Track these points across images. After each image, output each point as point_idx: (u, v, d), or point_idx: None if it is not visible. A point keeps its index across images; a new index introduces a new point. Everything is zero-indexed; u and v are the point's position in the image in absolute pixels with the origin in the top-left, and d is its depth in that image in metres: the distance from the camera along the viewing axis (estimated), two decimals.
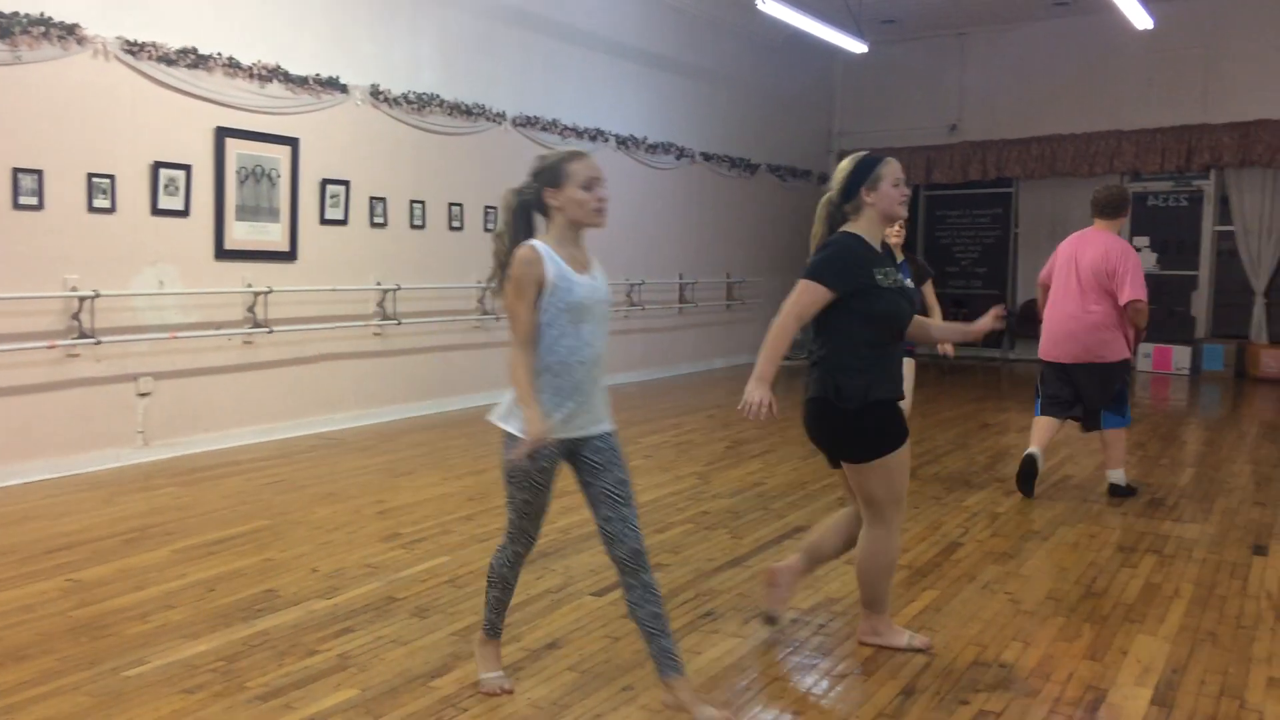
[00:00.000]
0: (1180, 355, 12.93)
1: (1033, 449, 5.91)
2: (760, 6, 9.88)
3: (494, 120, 9.45)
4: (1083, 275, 5.79)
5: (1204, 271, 13.27)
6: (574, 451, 3.03)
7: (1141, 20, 10.68)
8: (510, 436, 2.96)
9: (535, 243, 2.93)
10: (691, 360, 12.66)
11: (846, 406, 3.39)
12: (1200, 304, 13.27)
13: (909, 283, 5.67)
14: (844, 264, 3.40)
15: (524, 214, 3.02)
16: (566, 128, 10.27)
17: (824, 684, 3.36)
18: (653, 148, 11.60)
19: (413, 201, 8.75)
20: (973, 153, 14.28)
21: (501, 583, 3.25)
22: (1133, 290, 5.63)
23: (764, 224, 14.01)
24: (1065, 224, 12.89)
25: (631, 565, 3.05)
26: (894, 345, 3.51)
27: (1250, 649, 3.63)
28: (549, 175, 2.95)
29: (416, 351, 8.87)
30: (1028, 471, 5.88)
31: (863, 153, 3.59)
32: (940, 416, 9.20)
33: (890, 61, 14.56)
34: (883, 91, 15.01)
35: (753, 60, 13.45)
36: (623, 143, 11.13)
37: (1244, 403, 10.41)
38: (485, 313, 9.44)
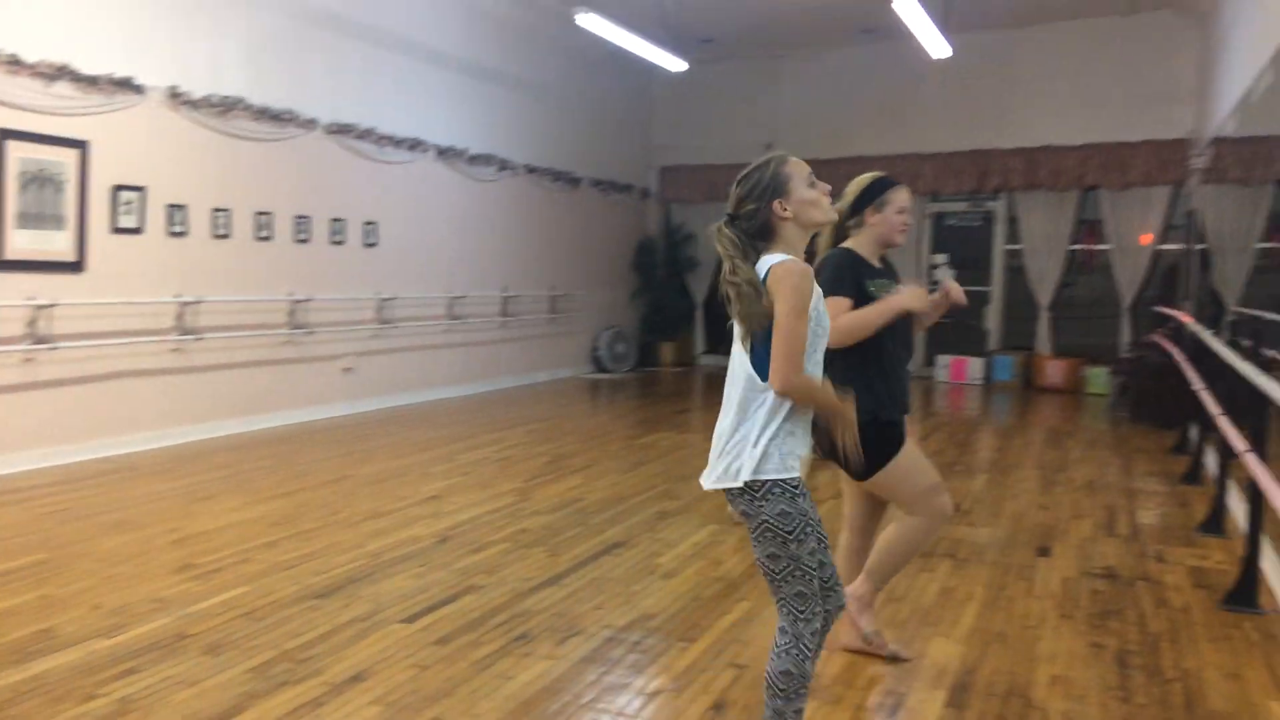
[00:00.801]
0: (974, 366, 13.72)
1: None
2: (578, 20, 9.92)
3: (305, 126, 9.11)
4: None
5: (996, 287, 14.12)
6: None
7: (940, 49, 11.28)
8: (763, 487, 2.52)
9: (785, 255, 2.56)
10: (514, 374, 12.55)
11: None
12: (992, 318, 14.11)
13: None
14: (832, 275, 3.41)
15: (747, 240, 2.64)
16: (384, 136, 10.02)
17: (637, 703, 3.35)
18: (474, 159, 11.46)
19: (216, 210, 8.32)
20: None
21: (804, 684, 2.60)
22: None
23: (587, 238, 14.06)
24: None
25: (832, 620, 2.78)
26: (898, 359, 3.50)
27: (1035, 648, 3.84)
28: (772, 186, 2.60)
29: (220, 368, 8.44)
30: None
31: (877, 173, 3.62)
32: None
33: (709, 80, 14.90)
34: (702, 109, 15.33)
35: (575, 74, 13.49)
36: (443, 153, 10.95)
37: (1030, 411, 11.12)
38: (296, 326, 9.08)
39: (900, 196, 3.53)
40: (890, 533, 3.62)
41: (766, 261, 2.55)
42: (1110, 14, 12.65)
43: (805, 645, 2.56)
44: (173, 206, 7.93)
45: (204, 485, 6.50)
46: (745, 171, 2.66)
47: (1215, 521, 5.53)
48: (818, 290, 2.55)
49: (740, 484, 2.53)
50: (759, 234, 2.61)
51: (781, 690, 2.58)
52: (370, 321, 10.07)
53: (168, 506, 5.92)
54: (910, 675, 3.57)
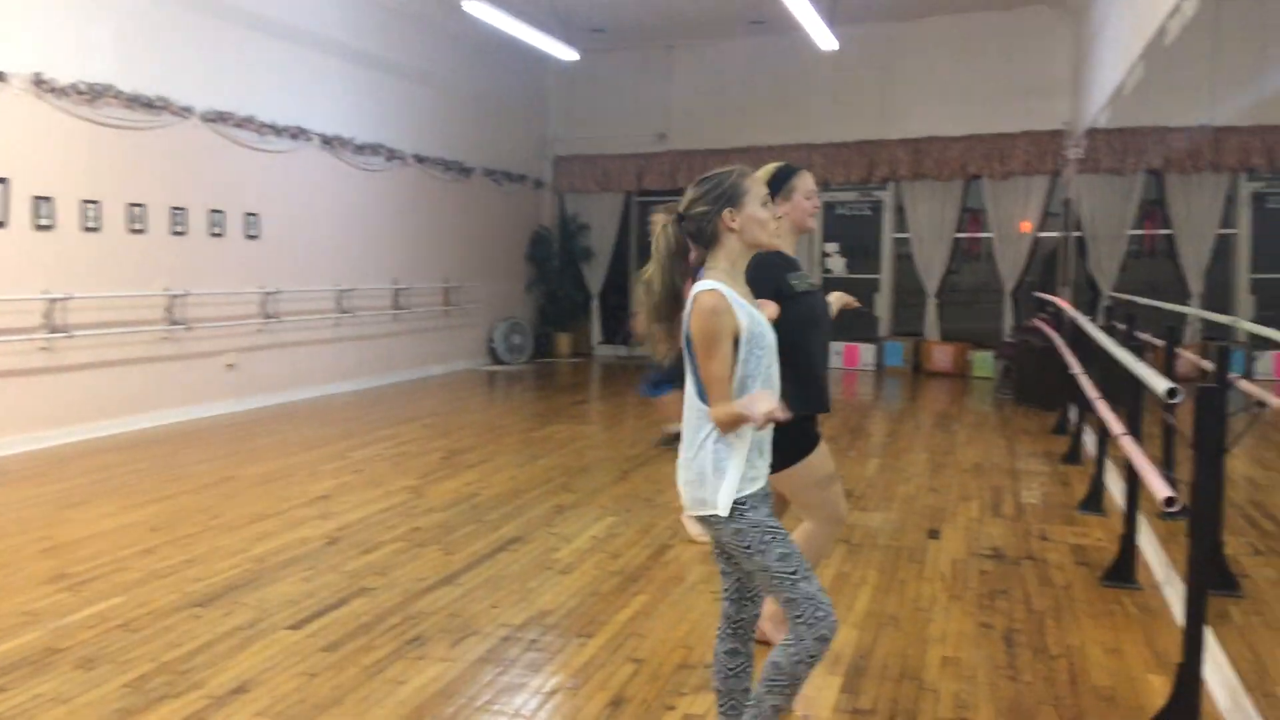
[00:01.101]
0: (866, 352, 14.00)
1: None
2: (464, 7, 9.74)
3: (180, 114, 8.74)
4: None
5: (885, 275, 14.41)
6: None
7: (827, 41, 11.43)
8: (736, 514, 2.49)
9: (715, 285, 2.48)
10: (407, 368, 12.31)
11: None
12: (883, 305, 14.40)
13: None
14: (753, 275, 3.34)
15: (682, 248, 2.60)
16: (265, 124, 9.68)
17: (534, 702, 3.29)
18: (361, 148, 11.17)
19: (86, 201, 7.92)
20: (681, 161, 14.79)
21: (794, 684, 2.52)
22: None
23: (480, 228, 13.87)
24: None
25: (749, 631, 2.72)
26: (818, 353, 3.45)
27: (926, 630, 3.91)
28: (727, 195, 2.56)
29: (93, 366, 8.05)
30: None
31: (777, 163, 3.55)
32: (653, 418, 9.43)
33: (601, 70, 14.83)
34: (595, 99, 15.26)
35: (465, 62, 13.27)
36: (328, 142, 10.64)
37: (920, 395, 11.39)
38: (174, 323, 8.72)
39: (805, 182, 3.53)
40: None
41: (697, 286, 2.50)
42: (988, 8, 13.01)
43: (810, 649, 2.46)
44: (39, 198, 7.52)
45: (77, 490, 6.18)
46: (705, 175, 2.64)
47: (1094, 500, 5.73)
48: (749, 312, 2.50)
49: (717, 513, 2.50)
50: (701, 238, 2.58)
51: (785, 688, 2.51)
52: (254, 316, 9.74)
53: (38, 513, 5.61)
54: None
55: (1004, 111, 13.13)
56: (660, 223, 2.60)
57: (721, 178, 2.60)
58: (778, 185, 3.50)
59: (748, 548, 2.49)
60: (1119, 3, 8.85)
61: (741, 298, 2.52)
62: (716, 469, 2.49)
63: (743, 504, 2.49)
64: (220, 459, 7.22)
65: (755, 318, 2.52)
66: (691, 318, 2.47)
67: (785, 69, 14.12)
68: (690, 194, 2.61)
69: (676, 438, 6.47)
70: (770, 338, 2.57)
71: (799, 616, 2.45)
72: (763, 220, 2.58)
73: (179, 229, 8.81)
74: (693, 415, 2.55)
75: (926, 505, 5.97)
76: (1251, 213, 11.04)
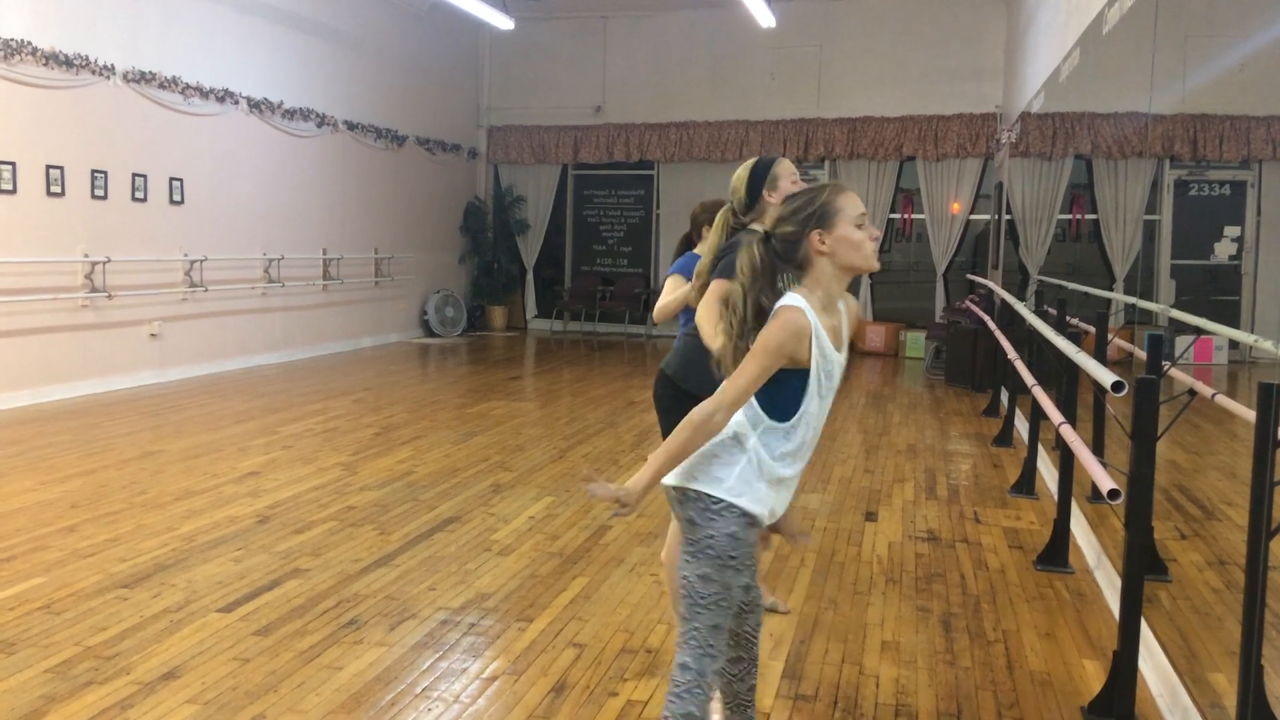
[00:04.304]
0: None
1: None
2: None
3: (101, 74, 8.40)
4: None
5: None
6: None
7: (765, 18, 11.41)
8: (722, 504, 2.35)
9: (804, 306, 2.31)
10: (337, 339, 12.08)
11: (683, 387, 3.40)
12: None
13: None
14: (729, 261, 3.34)
15: (769, 269, 2.39)
16: (189, 86, 9.36)
17: (474, 688, 3.24)
18: (290, 113, 10.87)
19: (0, 163, 7.58)
20: (617, 134, 14.68)
21: None
22: None
23: (413, 198, 13.63)
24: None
25: (752, 638, 2.64)
26: None
27: (865, 614, 3.94)
28: (817, 215, 2.35)
29: (8, 335, 7.74)
30: None
31: (753, 159, 3.49)
32: (590, 395, 9.39)
33: (537, 39, 14.63)
34: (531, 69, 15.05)
35: (398, 27, 12.97)
36: (255, 106, 10.33)
37: (854, 375, 11.51)
38: (94, 290, 8.42)
39: (786, 168, 3.47)
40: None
41: (785, 299, 2.35)
42: None
43: (707, 684, 2.38)
44: None
45: None
46: (796, 193, 2.46)
47: (1026, 483, 5.84)
48: (826, 346, 2.34)
49: (703, 490, 2.36)
50: (790, 260, 2.39)
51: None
52: (178, 284, 9.45)
53: None
54: None
55: (939, 94, 13.26)
56: (747, 242, 2.42)
57: (812, 196, 2.38)
58: (761, 177, 3.46)
59: (693, 543, 2.39)
60: None
61: (825, 330, 2.34)
62: (727, 461, 2.37)
63: (751, 523, 2.38)
64: (144, 432, 7.00)
65: (829, 357, 2.35)
66: (769, 323, 2.30)
67: (723, 44, 14.07)
68: (778, 211, 2.43)
69: None
70: (835, 382, 2.40)
71: (682, 657, 2.36)
72: (856, 242, 2.34)
73: (99, 193, 8.49)
74: (749, 408, 2.40)
75: (862, 487, 6.03)
76: (1173, 199, 11.35)
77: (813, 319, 2.30)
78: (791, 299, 2.32)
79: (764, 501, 2.38)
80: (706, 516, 2.36)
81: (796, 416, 2.35)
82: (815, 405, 2.37)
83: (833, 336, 2.36)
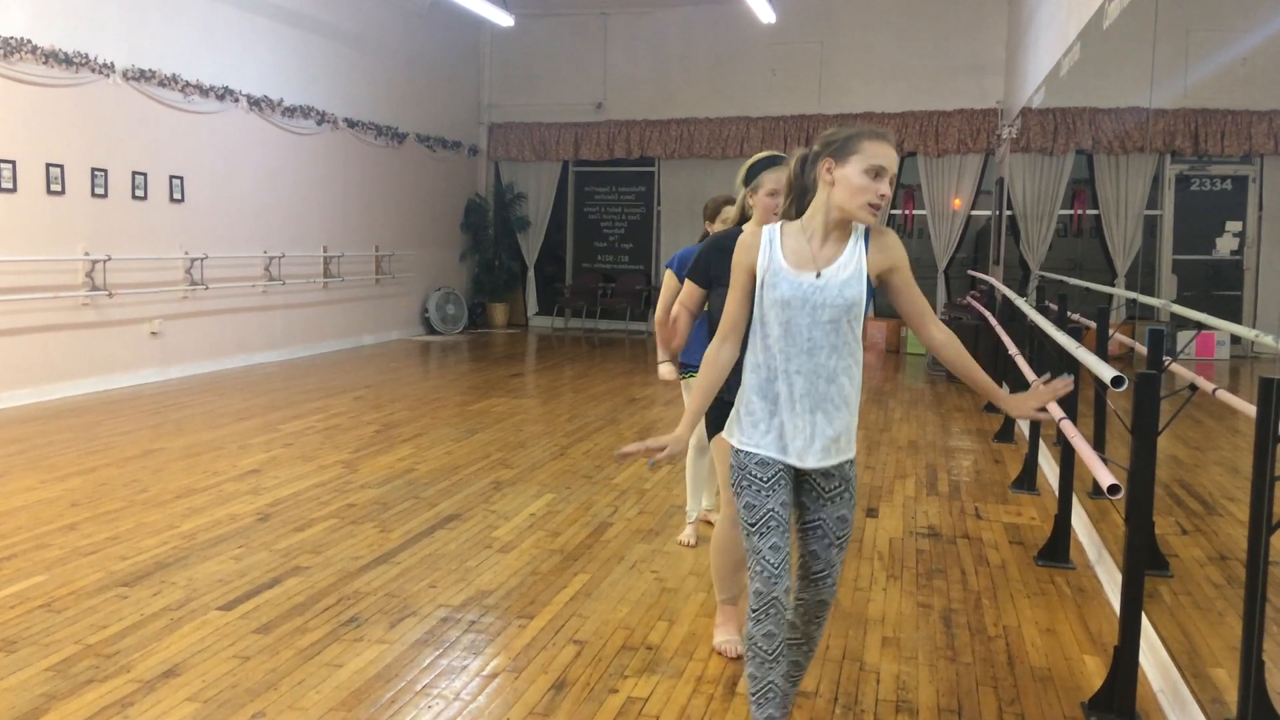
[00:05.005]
0: None
1: None
2: None
3: (101, 72, 8.40)
4: None
5: None
6: (799, 476, 2.55)
7: (766, 14, 11.40)
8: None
9: (765, 228, 2.52)
10: (338, 337, 12.07)
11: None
12: None
13: None
14: (693, 258, 3.48)
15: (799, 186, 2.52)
16: (189, 84, 9.35)
17: (474, 685, 3.24)
18: (290, 110, 10.86)
19: (0, 161, 7.58)
20: (618, 131, 14.67)
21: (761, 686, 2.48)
22: None
23: (414, 195, 13.62)
24: (703, 202, 13.63)
25: (811, 613, 2.63)
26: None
27: (866, 610, 3.93)
28: (837, 145, 2.41)
29: (9, 334, 7.74)
30: None
31: (762, 154, 3.53)
32: (591, 392, 9.38)
33: (538, 36, 14.62)
34: (531, 66, 15.03)
35: (398, 24, 12.96)
36: (256, 104, 10.32)
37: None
38: (95, 288, 8.42)
39: (769, 178, 3.43)
40: (713, 540, 3.60)
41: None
42: None
43: (750, 603, 2.46)
44: None
45: None
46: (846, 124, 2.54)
47: (1027, 478, 5.83)
48: (776, 258, 2.45)
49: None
50: (805, 178, 2.49)
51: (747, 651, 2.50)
52: (179, 282, 9.45)
53: None
54: None
55: (940, 89, 13.24)
56: (796, 154, 2.55)
57: (849, 129, 2.43)
58: (750, 178, 3.47)
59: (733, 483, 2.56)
60: None
61: (786, 250, 2.45)
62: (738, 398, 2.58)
63: (740, 452, 2.54)
64: (145, 430, 7.00)
65: (776, 269, 2.44)
66: None
67: (724, 41, 14.05)
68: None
69: None
70: (792, 298, 2.43)
71: (748, 571, 2.50)
72: (858, 187, 2.35)
73: (99, 191, 8.49)
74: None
75: (863, 483, 6.02)
76: (1175, 194, 11.32)
77: (769, 235, 2.47)
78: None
79: (743, 422, 2.53)
80: (733, 459, 2.56)
81: (750, 329, 2.51)
82: (773, 317, 2.46)
83: (801, 259, 2.43)
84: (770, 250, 2.45)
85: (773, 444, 2.47)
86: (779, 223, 2.50)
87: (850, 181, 2.34)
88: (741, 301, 2.48)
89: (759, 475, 2.47)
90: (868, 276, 2.43)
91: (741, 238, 2.50)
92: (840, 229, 2.43)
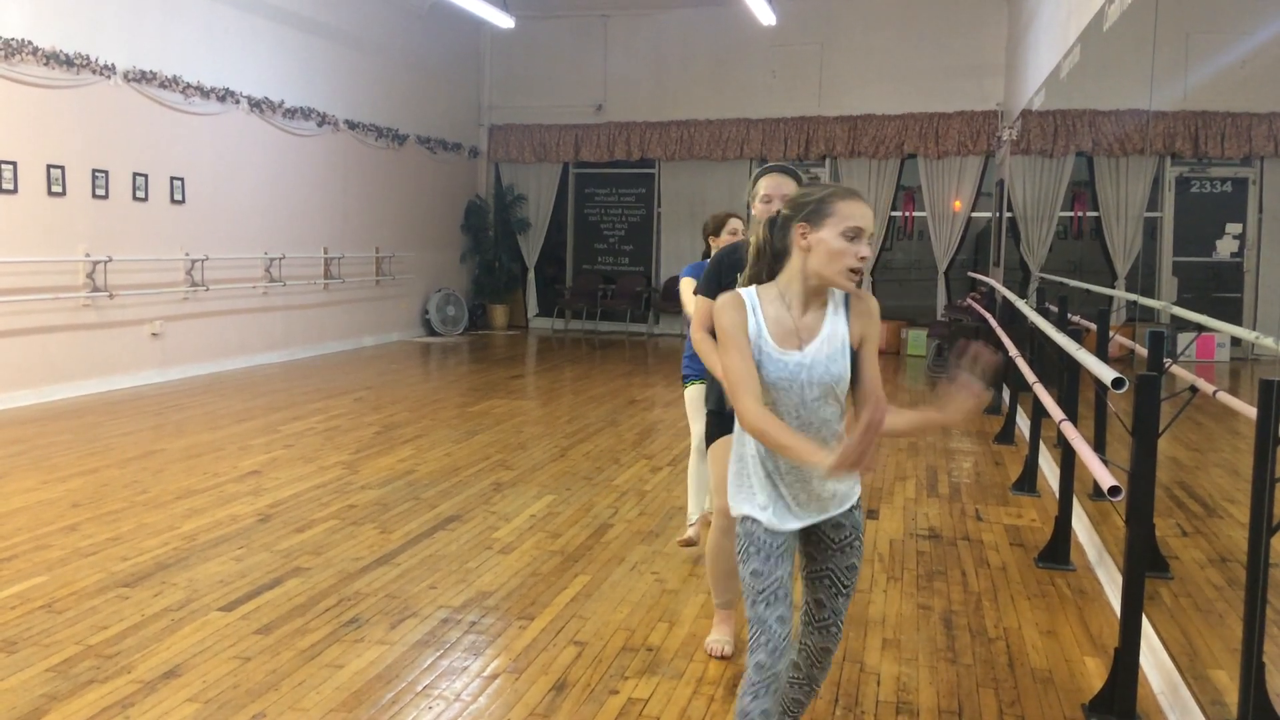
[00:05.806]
0: None
1: None
2: None
3: (101, 73, 8.40)
4: None
5: None
6: (807, 530, 2.44)
7: (766, 16, 11.41)
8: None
9: (741, 292, 2.35)
10: (339, 338, 12.08)
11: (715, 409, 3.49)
12: None
13: None
14: (702, 272, 3.47)
15: (770, 250, 2.36)
16: (190, 85, 9.36)
17: (475, 686, 3.24)
18: (291, 112, 10.87)
19: (1, 162, 7.58)
20: (618, 133, 14.68)
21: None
22: None
23: (414, 197, 13.63)
24: (703, 204, 13.65)
25: (815, 659, 2.55)
26: None
27: (866, 612, 3.94)
28: (811, 208, 2.28)
29: (8, 335, 7.74)
30: None
31: (773, 163, 3.53)
32: (591, 393, 9.39)
33: (538, 38, 14.63)
34: (532, 68, 15.05)
35: (398, 26, 12.97)
36: (256, 105, 10.33)
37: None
38: (96, 289, 8.42)
39: (763, 184, 3.41)
40: (707, 548, 3.61)
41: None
42: None
43: (750, 676, 2.32)
44: None
45: None
46: (816, 184, 2.43)
47: (1028, 480, 5.83)
48: (763, 334, 2.30)
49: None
50: (778, 243, 2.34)
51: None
52: (180, 284, 9.45)
53: None
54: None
55: (940, 91, 13.25)
56: (768, 219, 2.40)
57: (820, 190, 2.31)
58: (751, 187, 3.46)
59: (739, 551, 2.41)
60: None
61: (769, 321, 2.30)
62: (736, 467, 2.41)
63: (746, 518, 2.39)
64: (145, 431, 7.00)
65: (766, 349, 2.29)
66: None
67: (724, 43, 14.06)
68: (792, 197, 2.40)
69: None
70: (789, 378, 2.30)
71: (750, 640, 2.36)
72: (836, 251, 2.22)
73: (100, 192, 8.49)
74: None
75: (864, 485, 6.00)
76: (1175, 197, 11.32)
77: (750, 303, 2.30)
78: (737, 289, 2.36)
79: (746, 497, 2.38)
80: (739, 528, 2.41)
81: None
82: (777, 387, 2.31)
83: (784, 333, 2.30)
84: (755, 320, 2.31)
85: (780, 512, 2.37)
86: (753, 287, 2.35)
87: (828, 245, 2.23)
88: (749, 359, 2.29)
89: (768, 542, 2.36)
90: (850, 347, 2.35)
91: (723, 299, 2.32)
92: (818, 296, 2.34)
